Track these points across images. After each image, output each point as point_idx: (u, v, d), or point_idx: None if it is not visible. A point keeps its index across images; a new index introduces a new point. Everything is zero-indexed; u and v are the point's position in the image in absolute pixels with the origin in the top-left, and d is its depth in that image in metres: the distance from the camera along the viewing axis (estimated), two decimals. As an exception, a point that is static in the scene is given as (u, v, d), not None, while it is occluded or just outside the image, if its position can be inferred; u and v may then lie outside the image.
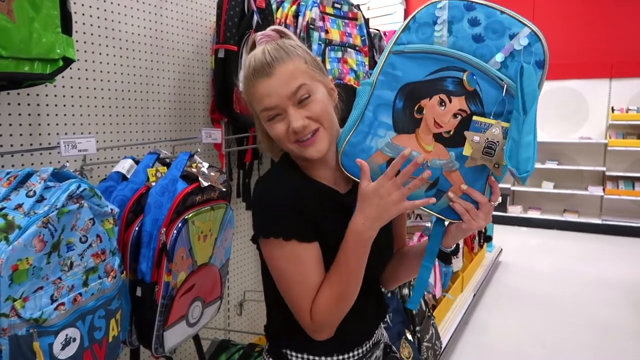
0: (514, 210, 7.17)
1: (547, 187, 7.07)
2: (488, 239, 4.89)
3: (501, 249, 5.35)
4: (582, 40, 6.70)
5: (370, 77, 1.02)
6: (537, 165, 6.94)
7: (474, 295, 3.87)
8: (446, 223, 1.07)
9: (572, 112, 6.93)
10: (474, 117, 0.96)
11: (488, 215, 1.00)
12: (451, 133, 0.97)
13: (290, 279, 1.01)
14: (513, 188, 7.28)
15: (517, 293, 4.47)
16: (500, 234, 5.73)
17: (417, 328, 2.41)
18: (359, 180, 1.02)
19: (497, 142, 0.93)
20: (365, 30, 2.31)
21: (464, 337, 3.54)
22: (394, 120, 1.00)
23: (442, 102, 0.96)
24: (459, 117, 0.96)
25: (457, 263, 3.65)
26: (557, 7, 6.84)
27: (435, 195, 1.01)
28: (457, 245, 1.11)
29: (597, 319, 3.87)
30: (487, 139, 0.94)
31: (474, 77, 0.94)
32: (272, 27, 1.06)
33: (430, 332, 2.51)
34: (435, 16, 0.95)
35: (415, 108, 0.98)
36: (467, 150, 0.97)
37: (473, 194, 0.98)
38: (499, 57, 0.92)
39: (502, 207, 7.16)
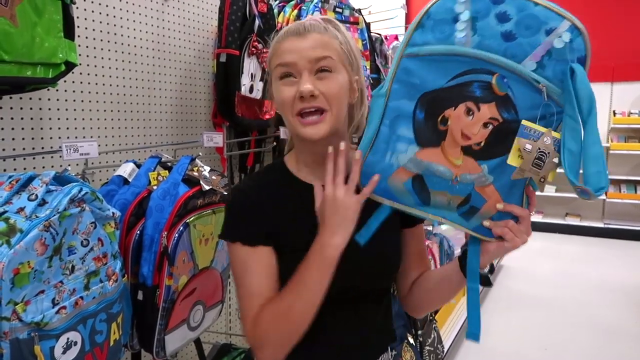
0: (516, 214, 7.15)
1: (549, 190, 7.06)
2: (490, 242, 4.88)
3: (503, 253, 5.34)
4: (584, 43, 6.70)
5: (382, 87, 0.91)
6: (539, 169, 6.94)
7: (475, 299, 3.86)
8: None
9: (573, 115, 6.91)
10: (523, 122, 0.83)
11: (529, 227, 0.90)
12: (482, 144, 0.86)
13: (238, 283, 0.97)
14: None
15: (519, 297, 4.46)
16: (502, 238, 5.71)
17: (419, 332, 2.40)
18: (382, 201, 0.94)
19: (548, 153, 0.82)
20: (366, 35, 2.32)
21: (466, 341, 3.53)
22: (415, 132, 0.88)
23: (469, 111, 0.84)
24: (490, 127, 0.85)
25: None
26: (558, 10, 6.85)
27: (468, 212, 0.91)
28: (492, 264, 1.05)
29: (599, 323, 3.86)
30: (539, 148, 0.82)
31: (505, 80, 0.82)
32: (323, 16, 1.01)
33: (433, 336, 2.50)
34: (455, 12, 0.82)
35: (439, 119, 0.86)
36: (514, 160, 0.85)
37: (512, 210, 0.88)
38: (535, 57, 0.80)
39: (504, 210, 7.13)
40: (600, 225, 6.72)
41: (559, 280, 4.92)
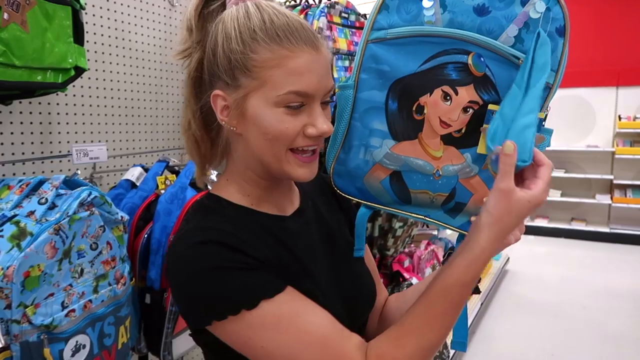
0: (521, 219, 7.12)
1: (554, 195, 7.03)
2: (495, 247, 4.86)
3: (508, 258, 5.32)
4: (589, 48, 6.69)
5: (349, 78, 0.82)
6: (544, 174, 6.93)
7: (481, 304, 3.84)
8: None
9: (579, 120, 6.91)
10: (489, 106, 0.75)
11: (522, 223, 0.77)
12: (463, 131, 0.77)
13: (294, 347, 0.68)
14: (520, 196, 7.23)
15: (525, 302, 4.44)
16: (508, 243, 5.69)
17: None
18: (362, 202, 0.86)
19: None
20: (372, 39, 2.33)
21: (472, 346, 3.51)
22: (389, 125, 0.81)
23: (446, 96, 0.77)
24: (470, 111, 0.76)
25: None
26: (563, 15, 6.84)
27: (454, 209, 0.83)
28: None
29: (605, 328, 3.84)
30: None
31: (482, 59, 0.75)
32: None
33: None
34: None
35: (414, 108, 0.79)
36: (483, 148, 0.76)
37: None
38: (512, 31, 0.73)
39: (509, 215, 7.11)
40: (606, 230, 6.69)
41: (565, 285, 4.89)
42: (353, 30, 2.23)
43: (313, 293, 0.74)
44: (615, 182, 6.73)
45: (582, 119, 6.90)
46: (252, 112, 0.73)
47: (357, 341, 0.71)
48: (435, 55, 0.76)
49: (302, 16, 2.14)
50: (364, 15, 2.33)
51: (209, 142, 0.85)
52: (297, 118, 0.72)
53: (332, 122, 0.81)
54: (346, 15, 2.20)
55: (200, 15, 0.80)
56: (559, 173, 6.94)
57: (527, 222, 7.06)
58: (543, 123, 0.77)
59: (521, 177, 0.70)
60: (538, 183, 0.67)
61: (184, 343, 1.31)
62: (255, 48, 0.70)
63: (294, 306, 0.70)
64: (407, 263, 2.48)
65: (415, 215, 0.87)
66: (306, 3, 2.24)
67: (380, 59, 0.79)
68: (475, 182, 0.80)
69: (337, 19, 2.16)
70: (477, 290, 0.87)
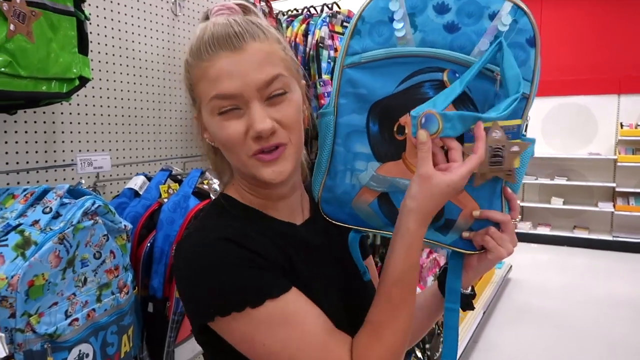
0: (524, 227, 7.12)
1: (557, 203, 7.03)
2: (497, 255, 4.84)
3: (510, 266, 5.31)
4: (590, 56, 6.71)
5: (328, 104, 0.83)
6: (547, 181, 6.93)
7: (483, 313, 3.83)
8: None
9: (580, 128, 6.92)
10: None
11: (513, 235, 0.80)
12: (445, 148, 0.77)
13: (294, 347, 0.70)
14: (522, 204, 7.25)
15: (527, 310, 4.42)
16: (510, 251, 5.67)
17: (427, 346, 2.39)
18: (352, 227, 0.86)
19: (503, 146, 0.74)
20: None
21: (474, 355, 3.50)
22: (372, 147, 0.81)
23: None
24: None
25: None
26: (564, 23, 6.87)
27: (444, 226, 0.82)
28: (473, 287, 0.91)
29: (608, 337, 3.82)
30: (490, 147, 0.74)
31: (457, 75, 0.76)
32: (238, 2, 0.81)
33: (440, 349, 2.49)
34: (390, 10, 0.76)
35: (395, 129, 0.79)
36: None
37: (491, 216, 0.79)
38: (483, 45, 0.74)
39: (511, 223, 7.09)
40: (609, 238, 6.67)
41: (567, 293, 4.88)
42: (355, 39, 2.24)
43: (319, 300, 0.75)
44: (617, 189, 6.72)
45: (584, 126, 6.91)
46: (206, 125, 0.79)
47: (350, 345, 0.74)
48: (411, 75, 0.78)
49: (304, 26, 2.16)
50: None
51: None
52: (237, 122, 0.73)
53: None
54: (347, 25, 2.22)
55: None
56: (561, 181, 6.94)
57: (530, 229, 7.06)
58: (524, 133, 0.78)
59: (448, 159, 0.74)
60: (460, 169, 0.71)
61: (186, 352, 1.31)
62: (190, 69, 0.77)
63: (298, 307, 0.72)
64: (409, 271, 2.47)
65: None
66: (308, 13, 2.26)
67: (357, 83, 0.80)
68: (463, 197, 0.79)
69: (338, 28, 2.18)
70: (470, 307, 0.89)
